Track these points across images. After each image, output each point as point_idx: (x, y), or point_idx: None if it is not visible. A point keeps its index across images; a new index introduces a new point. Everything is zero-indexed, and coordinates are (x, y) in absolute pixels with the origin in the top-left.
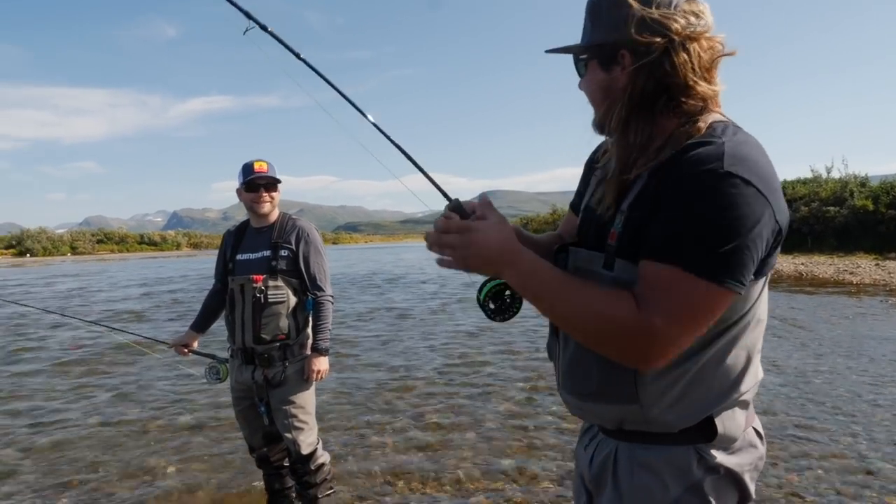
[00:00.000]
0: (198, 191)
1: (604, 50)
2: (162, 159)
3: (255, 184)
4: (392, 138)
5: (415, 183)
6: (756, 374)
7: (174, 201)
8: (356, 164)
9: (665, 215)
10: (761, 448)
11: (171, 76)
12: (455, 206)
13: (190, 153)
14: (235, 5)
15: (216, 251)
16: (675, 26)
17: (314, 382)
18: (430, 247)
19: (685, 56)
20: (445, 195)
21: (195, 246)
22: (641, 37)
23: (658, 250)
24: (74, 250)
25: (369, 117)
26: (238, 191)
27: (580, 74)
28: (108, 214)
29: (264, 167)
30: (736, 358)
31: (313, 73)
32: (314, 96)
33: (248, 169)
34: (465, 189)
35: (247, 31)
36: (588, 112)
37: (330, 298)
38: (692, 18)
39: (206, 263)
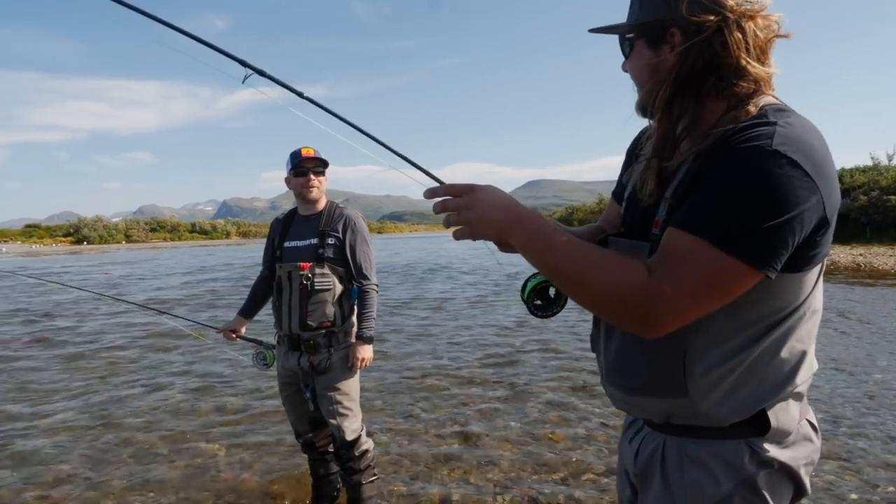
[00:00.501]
0: (246, 180)
1: (652, 28)
2: (212, 149)
3: (304, 168)
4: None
5: (459, 172)
6: (811, 366)
7: (224, 191)
8: (401, 152)
9: (701, 188)
10: (816, 441)
11: (221, 67)
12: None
13: (239, 143)
14: (230, 55)
15: (264, 240)
16: (730, 3)
17: (358, 370)
18: (436, 212)
19: (739, 35)
20: (437, 180)
21: (244, 235)
22: (693, 14)
23: (685, 221)
24: (129, 238)
25: (373, 133)
26: (287, 179)
27: (625, 55)
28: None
29: (311, 152)
30: (790, 350)
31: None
32: (323, 126)
33: (295, 155)
34: (511, 179)
35: (245, 78)
36: (634, 97)
37: (375, 287)
38: None
39: (253, 252)
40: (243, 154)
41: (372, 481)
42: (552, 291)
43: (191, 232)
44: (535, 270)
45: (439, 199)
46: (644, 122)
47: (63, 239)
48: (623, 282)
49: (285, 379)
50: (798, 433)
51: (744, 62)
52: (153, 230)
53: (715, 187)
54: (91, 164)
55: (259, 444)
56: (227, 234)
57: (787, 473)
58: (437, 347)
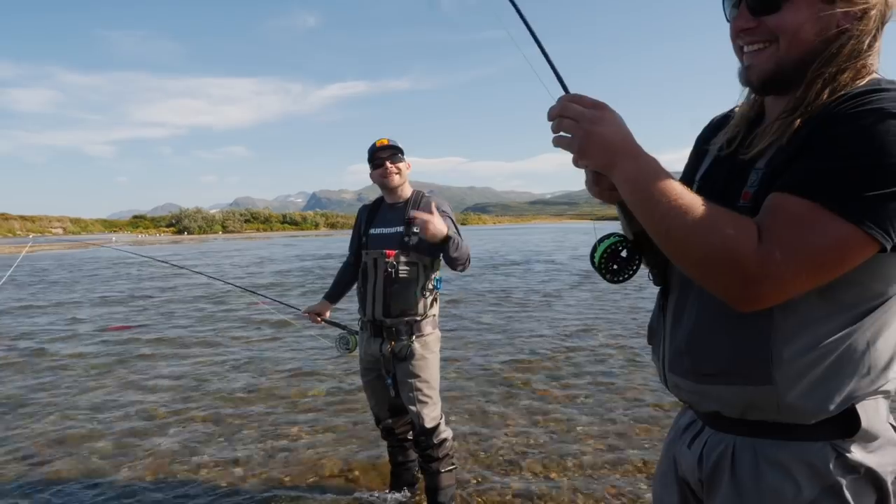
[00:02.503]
0: (334, 173)
1: None
2: (302, 143)
3: (379, 158)
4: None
5: (544, 163)
6: None
7: (313, 183)
8: (484, 144)
9: (815, 152)
10: None
11: (311, 63)
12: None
13: (327, 137)
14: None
15: (351, 231)
16: None
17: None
18: (552, 117)
19: (885, 2)
20: (564, 86)
21: (332, 226)
22: None
23: (797, 184)
24: (225, 229)
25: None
26: (370, 174)
27: (773, 7)
28: (255, 195)
29: (384, 142)
30: (886, 340)
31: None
32: (508, 31)
33: (371, 149)
34: None
35: None
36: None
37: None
38: None
39: (338, 242)
40: (331, 147)
41: (450, 470)
42: (624, 252)
43: (282, 223)
44: (603, 236)
45: (559, 104)
46: (711, 115)
47: (166, 229)
48: (736, 242)
49: (367, 365)
50: (884, 436)
51: (879, 35)
52: (247, 221)
53: (832, 150)
54: (191, 158)
55: (340, 428)
56: (316, 225)
57: (874, 480)
58: (515, 339)
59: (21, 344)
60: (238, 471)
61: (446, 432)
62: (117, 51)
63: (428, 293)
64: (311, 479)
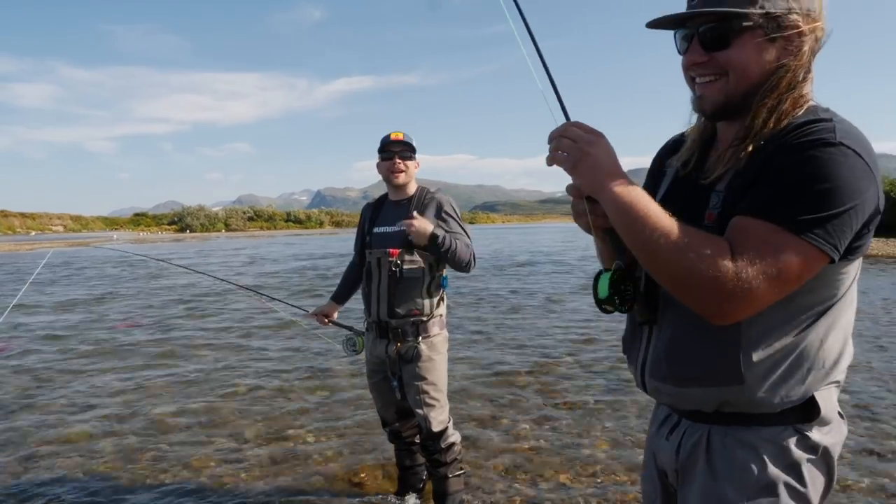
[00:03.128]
0: (340, 170)
1: (774, 20)
2: (307, 140)
3: (390, 151)
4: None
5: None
6: (851, 354)
7: (318, 180)
8: (493, 141)
9: (771, 178)
10: (845, 428)
11: (317, 58)
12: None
13: (333, 133)
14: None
15: (356, 229)
16: (816, 9)
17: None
18: (552, 138)
19: (815, 37)
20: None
21: (337, 224)
22: (810, 14)
23: (759, 209)
24: (228, 227)
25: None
26: (377, 164)
27: (718, 45)
28: (259, 193)
29: (400, 136)
30: (836, 338)
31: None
32: (511, 24)
33: (384, 139)
34: None
35: None
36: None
37: (469, 244)
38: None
39: (340, 241)
40: (337, 144)
41: (458, 475)
42: (624, 283)
43: (286, 221)
44: (599, 269)
45: (560, 127)
46: (671, 133)
47: (168, 227)
48: (714, 262)
49: (373, 366)
50: (836, 420)
51: (811, 66)
52: (251, 219)
53: (786, 178)
54: (194, 154)
55: (347, 431)
56: (321, 224)
57: (827, 459)
58: (523, 341)
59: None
60: (244, 473)
61: (454, 436)
62: (120, 45)
63: (434, 293)
64: (318, 483)
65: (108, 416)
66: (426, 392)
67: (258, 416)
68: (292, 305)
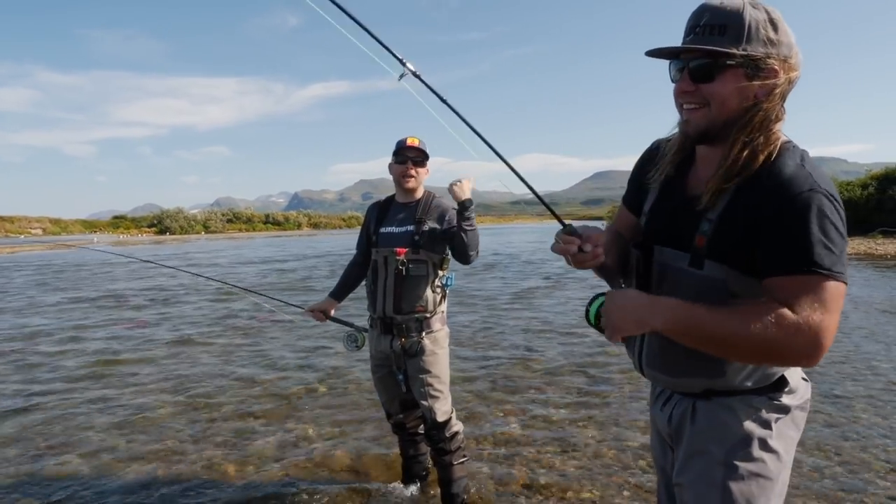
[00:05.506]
0: (316, 173)
1: (753, 60)
2: (284, 143)
3: (404, 156)
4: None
5: (526, 164)
6: None
7: (295, 183)
8: (467, 144)
9: (785, 235)
10: (809, 390)
11: (294, 63)
12: (570, 231)
13: (309, 137)
14: (392, 52)
15: (334, 231)
16: (794, 54)
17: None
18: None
19: (788, 81)
20: (560, 220)
21: (315, 226)
22: (787, 59)
23: (792, 265)
24: (207, 229)
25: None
26: (390, 165)
27: (708, 78)
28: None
29: (415, 142)
30: None
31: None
32: (455, 135)
33: (400, 143)
34: (578, 170)
35: (401, 77)
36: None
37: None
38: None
39: (322, 242)
40: (313, 147)
41: (462, 462)
42: None
43: (265, 223)
44: (591, 298)
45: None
46: (658, 135)
47: (148, 229)
48: (786, 339)
49: (378, 361)
50: (801, 385)
51: (781, 108)
52: (230, 221)
53: (802, 233)
54: (172, 158)
55: (348, 424)
56: (299, 226)
57: (794, 418)
58: (516, 337)
59: (22, 344)
60: (249, 466)
61: (457, 425)
62: (98, 50)
63: (437, 290)
64: (323, 473)
65: (109, 415)
66: (430, 384)
67: (261, 410)
68: (290, 304)
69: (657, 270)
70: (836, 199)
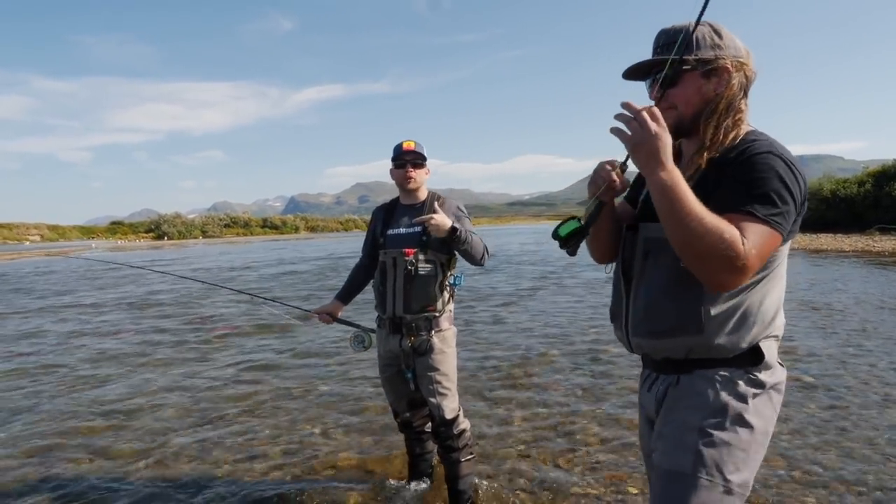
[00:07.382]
0: (313, 176)
1: (706, 63)
2: (280, 147)
3: (402, 160)
4: None
5: (522, 165)
6: (783, 318)
7: (291, 187)
8: (462, 146)
9: (739, 181)
10: (784, 373)
11: (288, 68)
12: (624, 167)
13: (305, 140)
14: None
15: (332, 234)
16: (743, 54)
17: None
18: (624, 115)
19: (745, 77)
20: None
21: (312, 229)
22: (736, 58)
23: (738, 204)
24: (205, 234)
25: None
26: (390, 170)
27: (669, 83)
28: (233, 200)
29: (411, 145)
30: (771, 300)
31: None
32: None
33: (397, 148)
34: (573, 171)
35: None
36: None
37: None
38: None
39: (314, 245)
40: (309, 151)
41: (469, 459)
42: (578, 237)
43: (262, 227)
44: (560, 223)
45: (635, 107)
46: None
47: (145, 235)
48: (734, 244)
49: (386, 361)
50: (776, 366)
51: (744, 96)
52: (227, 226)
53: (753, 184)
54: (168, 163)
55: (352, 424)
56: (296, 229)
57: (770, 396)
58: (511, 338)
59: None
60: (257, 466)
61: (465, 423)
62: (92, 56)
63: (446, 290)
64: (329, 473)
65: (115, 418)
66: (439, 382)
67: (267, 411)
68: (296, 307)
69: (642, 244)
70: (792, 164)
